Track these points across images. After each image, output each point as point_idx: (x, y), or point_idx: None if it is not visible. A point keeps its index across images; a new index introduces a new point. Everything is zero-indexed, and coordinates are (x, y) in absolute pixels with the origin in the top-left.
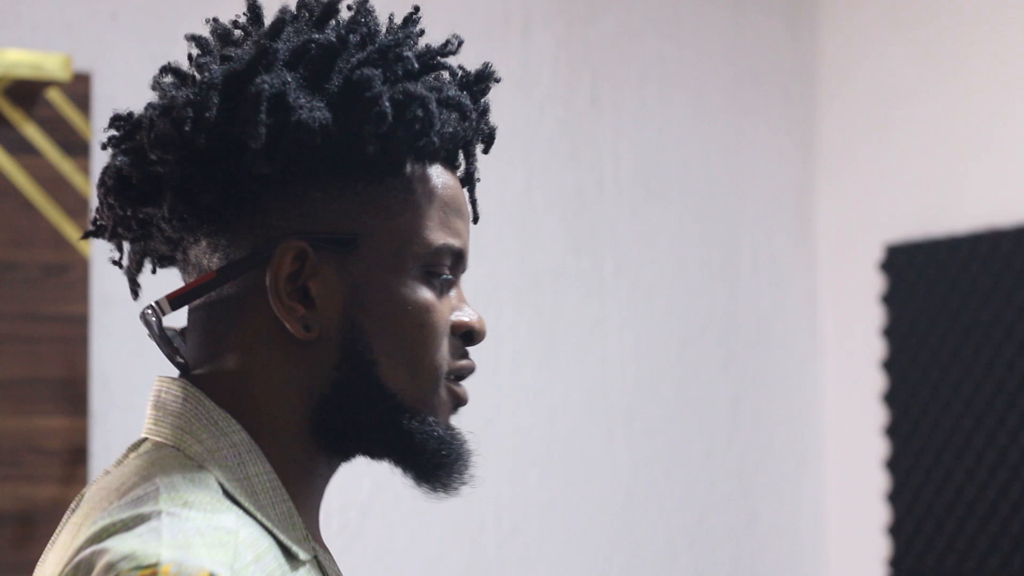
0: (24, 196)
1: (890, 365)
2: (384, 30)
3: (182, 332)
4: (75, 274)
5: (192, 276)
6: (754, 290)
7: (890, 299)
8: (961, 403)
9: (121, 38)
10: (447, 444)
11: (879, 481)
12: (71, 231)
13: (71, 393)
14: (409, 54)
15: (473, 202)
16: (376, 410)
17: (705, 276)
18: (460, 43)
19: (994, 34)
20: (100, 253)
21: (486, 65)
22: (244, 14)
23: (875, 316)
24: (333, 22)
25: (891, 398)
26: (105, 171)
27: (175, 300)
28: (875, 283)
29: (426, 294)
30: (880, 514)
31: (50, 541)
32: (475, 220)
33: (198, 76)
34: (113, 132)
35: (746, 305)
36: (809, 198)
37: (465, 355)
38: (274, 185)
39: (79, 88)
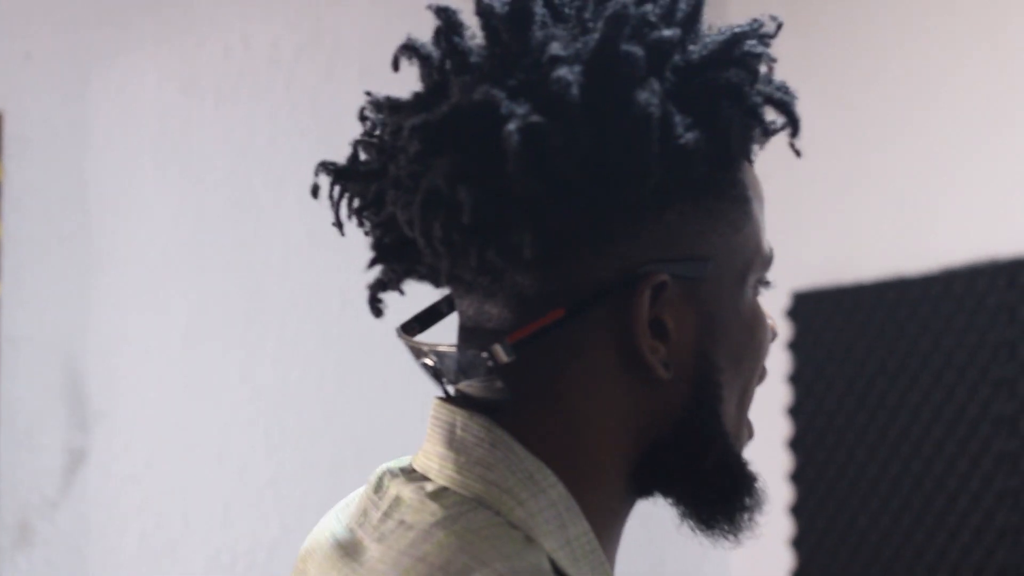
0: None
1: (796, 411)
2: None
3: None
4: None
5: (500, 305)
6: None
7: (796, 346)
8: (866, 450)
9: (34, 78)
10: (759, 490)
11: (784, 527)
12: None
13: None
14: (762, 49)
15: None
16: (716, 453)
17: None
18: (779, 26)
19: (903, 84)
20: (9, 292)
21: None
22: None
23: (781, 363)
24: (654, 7)
25: (796, 444)
26: (435, 198)
27: (520, 343)
28: (782, 330)
29: (763, 314)
30: (785, 560)
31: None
32: None
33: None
34: (410, 136)
35: None
36: None
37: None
38: (629, 212)
39: None
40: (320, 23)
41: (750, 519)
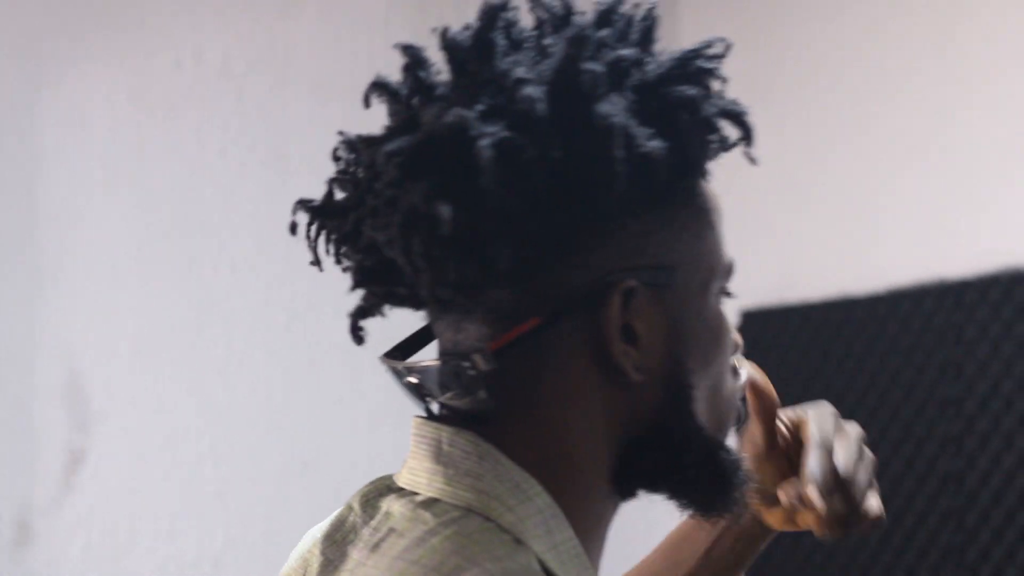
0: None
1: (741, 429)
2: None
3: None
4: None
5: (478, 321)
6: None
7: None
8: None
9: None
10: (743, 469)
11: None
12: None
13: None
14: (714, 66)
15: None
16: (694, 449)
17: None
18: (728, 47)
19: (850, 105)
20: None
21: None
22: (479, 22)
23: None
24: (612, 31)
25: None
26: (415, 217)
27: (499, 352)
28: None
29: (726, 319)
30: None
31: None
32: None
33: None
34: (384, 162)
35: None
36: None
37: (736, 370)
38: (597, 222)
39: None
40: (272, 37)
41: (740, 498)
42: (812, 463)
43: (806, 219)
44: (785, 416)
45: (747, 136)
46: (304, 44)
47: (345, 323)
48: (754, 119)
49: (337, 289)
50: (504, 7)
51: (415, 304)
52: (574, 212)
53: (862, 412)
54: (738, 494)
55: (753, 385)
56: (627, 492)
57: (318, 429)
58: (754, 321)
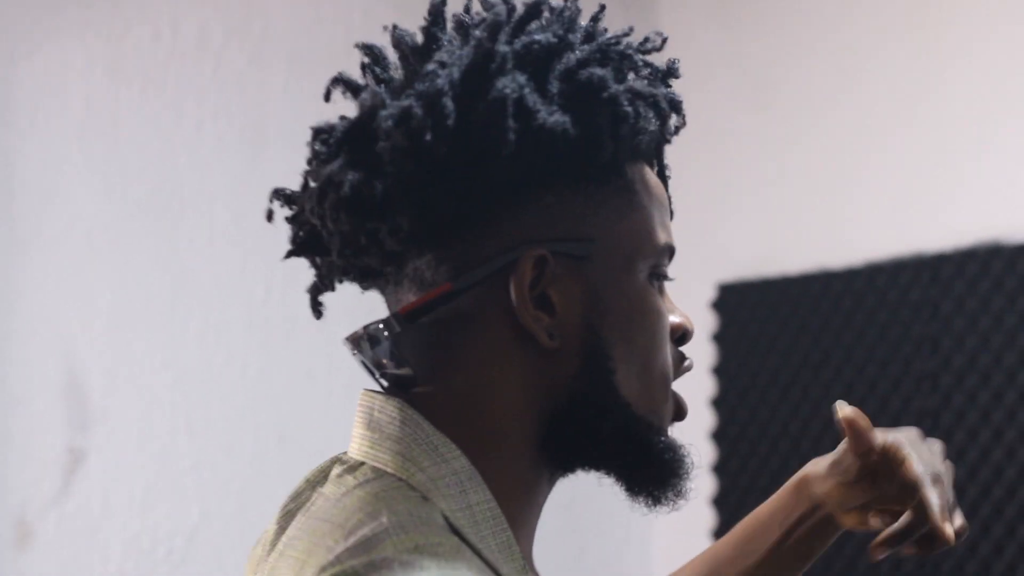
0: None
1: (719, 403)
2: (586, 28)
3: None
4: None
5: (407, 291)
6: None
7: (721, 338)
8: (789, 442)
9: None
10: (677, 455)
11: (707, 517)
12: None
13: None
14: (632, 52)
15: (669, 198)
16: (614, 421)
17: None
18: (664, 40)
19: (828, 80)
20: None
21: (673, 61)
22: (425, 19)
23: (706, 354)
24: (540, 22)
25: (720, 436)
26: (328, 185)
27: (408, 315)
28: (707, 321)
29: (654, 298)
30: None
31: (256, 549)
32: (671, 216)
33: (399, 84)
34: (320, 146)
35: None
36: None
37: (683, 358)
38: (507, 192)
39: None
40: (249, 9)
41: (681, 488)
42: (935, 502)
43: (784, 193)
44: (877, 442)
45: (662, 122)
46: (282, 17)
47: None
48: (732, 94)
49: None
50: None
51: (353, 277)
52: (475, 181)
53: (838, 386)
54: (678, 484)
55: (852, 424)
56: (558, 463)
57: (295, 402)
58: (732, 294)
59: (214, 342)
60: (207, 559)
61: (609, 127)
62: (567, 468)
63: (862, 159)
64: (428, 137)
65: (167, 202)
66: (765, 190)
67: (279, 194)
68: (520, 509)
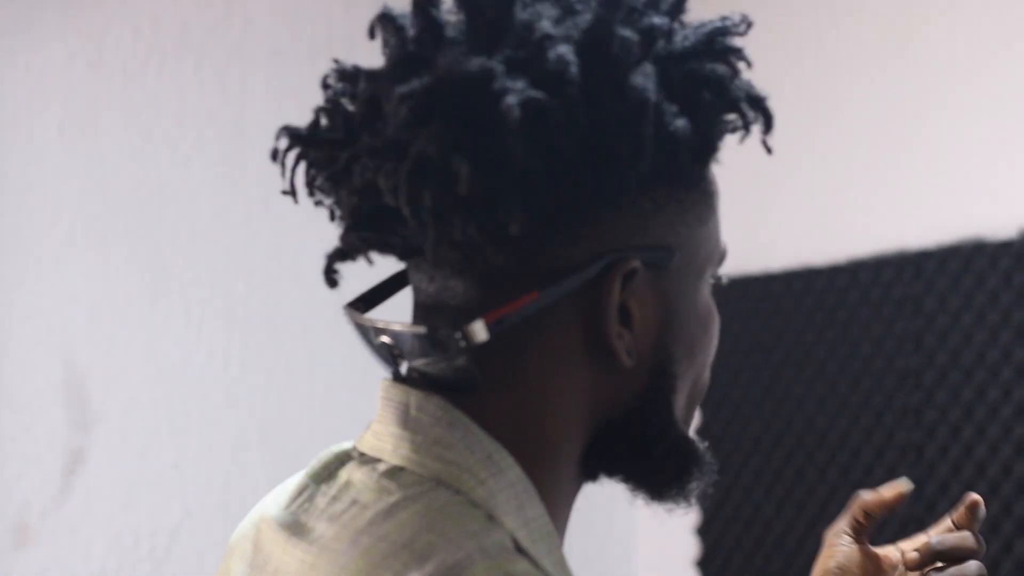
0: None
1: (703, 401)
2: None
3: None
4: None
5: (469, 284)
6: None
7: None
8: (772, 438)
9: None
10: (706, 461)
11: (689, 514)
12: None
13: None
14: (738, 44)
15: None
16: (666, 438)
17: None
18: (750, 25)
19: (812, 78)
20: None
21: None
22: None
23: None
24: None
25: (703, 432)
26: (421, 165)
27: (495, 324)
28: None
29: (714, 310)
30: (690, 546)
31: (243, 543)
32: None
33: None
34: (373, 92)
35: None
36: None
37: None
38: (613, 195)
39: None
40: (229, 5)
41: (698, 489)
42: None
43: (767, 190)
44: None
45: (767, 123)
46: (262, 12)
47: (304, 292)
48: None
49: (296, 258)
50: None
51: (404, 255)
52: (593, 184)
53: (821, 383)
54: (695, 486)
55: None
56: (590, 475)
57: (275, 398)
58: (715, 291)
59: (195, 338)
60: (188, 557)
61: (719, 131)
62: (595, 479)
63: (844, 157)
64: (558, 134)
65: (148, 196)
66: (748, 187)
67: (291, 133)
68: (560, 522)
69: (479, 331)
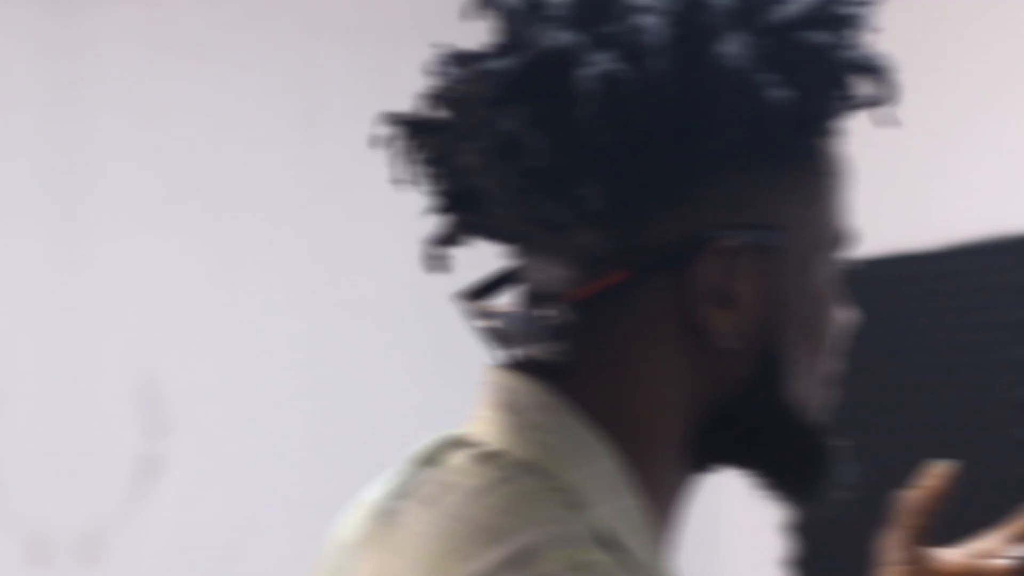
0: None
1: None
2: None
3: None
4: None
5: (563, 266)
6: None
7: None
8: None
9: None
10: (836, 457)
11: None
12: None
13: None
14: (850, 13)
15: None
16: (780, 427)
17: None
18: None
19: (909, 63)
20: None
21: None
22: None
23: None
24: None
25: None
26: (507, 144)
27: (587, 301)
28: None
29: (834, 291)
30: (774, 545)
31: (353, 532)
32: None
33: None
34: (475, 77)
35: None
36: None
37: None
38: (706, 171)
39: None
40: None
41: (824, 489)
42: None
43: (864, 176)
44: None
45: (882, 95)
46: None
47: (384, 279)
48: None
49: (378, 244)
50: None
51: (499, 237)
52: (678, 157)
53: (932, 376)
54: (822, 482)
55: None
56: (700, 465)
57: (353, 389)
58: (845, 275)
59: (272, 327)
60: (261, 555)
61: (824, 104)
62: (708, 469)
63: (941, 142)
64: (635, 106)
65: (222, 180)
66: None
67: (401, 119)
68: (666, 516)
69: (567, 310)
